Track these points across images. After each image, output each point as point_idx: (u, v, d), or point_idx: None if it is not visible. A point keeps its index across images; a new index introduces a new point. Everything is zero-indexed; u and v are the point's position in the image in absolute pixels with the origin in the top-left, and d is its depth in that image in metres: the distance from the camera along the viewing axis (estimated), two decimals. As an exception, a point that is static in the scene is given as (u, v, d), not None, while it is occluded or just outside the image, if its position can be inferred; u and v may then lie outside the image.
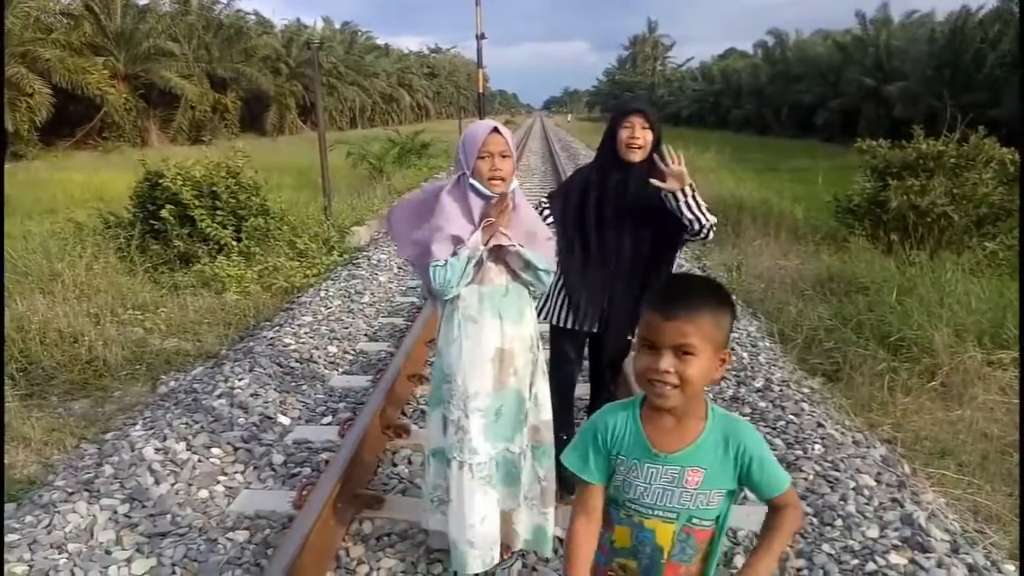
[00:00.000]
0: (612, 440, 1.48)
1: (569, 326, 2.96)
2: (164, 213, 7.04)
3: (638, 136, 2.72)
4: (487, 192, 2.34)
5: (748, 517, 3.00)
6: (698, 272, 7.27)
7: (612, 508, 1.53)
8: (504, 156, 2.33)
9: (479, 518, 2.43)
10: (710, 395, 4.29)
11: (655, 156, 2.75)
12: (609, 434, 1.49)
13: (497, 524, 2.49)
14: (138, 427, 3.86)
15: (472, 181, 2.35)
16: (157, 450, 3.51)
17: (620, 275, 2.87)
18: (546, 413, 2.57)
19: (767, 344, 5.23)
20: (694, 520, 1.47)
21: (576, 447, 1.53)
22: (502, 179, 2.34)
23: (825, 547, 2.76)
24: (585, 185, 2.89)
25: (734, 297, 6.35)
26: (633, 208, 2.80)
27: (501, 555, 2.65)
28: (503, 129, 2.36)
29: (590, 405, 3.37)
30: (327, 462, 3.38)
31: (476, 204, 2.36)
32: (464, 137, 2.40)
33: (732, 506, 1.52)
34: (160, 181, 7.23)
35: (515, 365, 2.46)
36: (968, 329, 4.86)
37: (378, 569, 2.72)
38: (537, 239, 2.46)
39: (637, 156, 2.74)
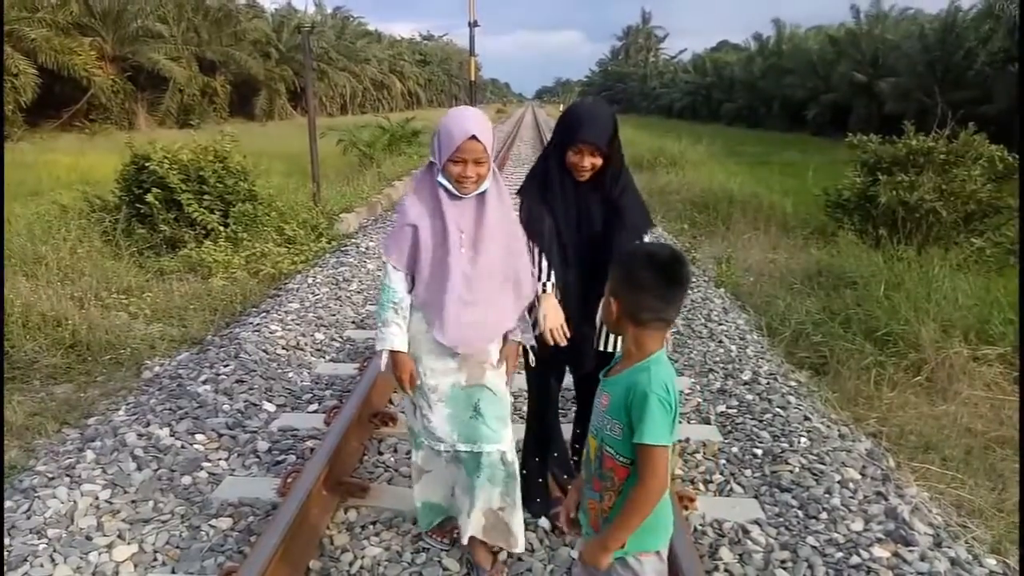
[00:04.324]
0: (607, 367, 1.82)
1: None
2: (150, 197, 6.95)
3: (586, 164, 2.49)
4: (454, 192, 2.28)
5: (733, 509, 3.02)
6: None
7: None
8: (479, 162, 2.23)
9: (458, 488, 2.53)
10: (698, 385, 4.30)
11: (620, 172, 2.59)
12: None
13: (473, 505, 2.50)
14: (121, 412, 3.82)
15: (440, 180, 2.28)
16: (140, 436, 3.47)
17: (581, 292, 2.60)
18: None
19: (755, 337, 5.24)
20: (605, 444, 1.72)
21: None
22: (472, 183, 2.26)
23: (810, 539, 2.77)
24: (541, 199, 2.61)
25: (722, 290, 6.37)
26: (587, 227, 2.59)
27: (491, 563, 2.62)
28: (482, 135, 2.19)
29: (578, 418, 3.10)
30: (312, 450, 3.36)
31: (444, 198, 2.29)
32: (441, 129, 2.24)
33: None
34: (147, 164, 7.13)
35: (492, 359, 2.42)
36: (955, 325, 4.88)
37: (362, 557, 2.71)
38: (515, 250, 2.40)
39: (584, 176, 2.54)
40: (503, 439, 2.45)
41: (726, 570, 2.64)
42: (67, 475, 3.13)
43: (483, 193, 2.32)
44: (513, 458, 2.49)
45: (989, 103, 21.63)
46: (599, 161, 2.51)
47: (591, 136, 2.46)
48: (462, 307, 2.29)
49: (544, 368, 2.71)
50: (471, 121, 2.23)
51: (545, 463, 2.97)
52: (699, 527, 2.89)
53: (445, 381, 2.39)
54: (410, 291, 2.37)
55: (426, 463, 2.55)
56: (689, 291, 6.19)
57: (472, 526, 2.51)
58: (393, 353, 2.35)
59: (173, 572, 2.60)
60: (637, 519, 1.66)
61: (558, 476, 3.02)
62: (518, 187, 2.71)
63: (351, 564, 2.68)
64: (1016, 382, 4.43)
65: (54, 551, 2.64)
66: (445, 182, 2.27)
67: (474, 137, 2.19)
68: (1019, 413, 3.85)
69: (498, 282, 2.36)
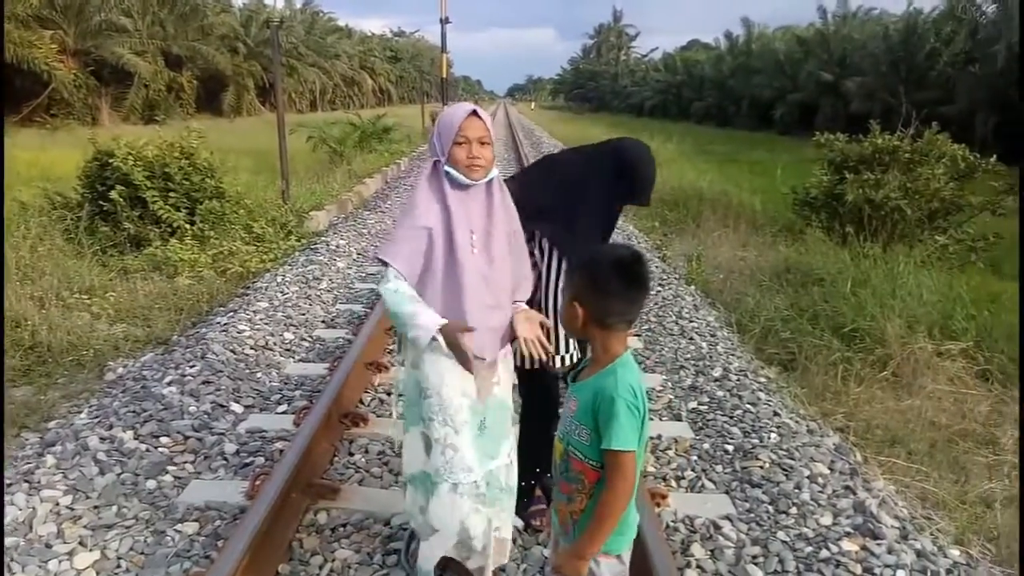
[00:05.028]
0: (575, 371, 1.85)
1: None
2: (114, 194, 6.80)
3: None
4: (464, 180, 2.15)
5: (704, 505, 3.04)
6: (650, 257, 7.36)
7: None
8: (483, 143, 2.15)
9: (473, 535, 2.22)
10: (669, 382, 4.32)
11: None
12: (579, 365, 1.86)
13: (491, 539, 2.28)
14: (83, 415, 3.72)
15: (447, 168, 2.17)
16: (103, 439, 3.38)
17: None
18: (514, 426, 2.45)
19: (725, 334, 5.28)
20: (571, 447, 1.72)
21: None
22: (481, 167, 2.16)
23: (780, 534, 2.80)
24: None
25: (693, 287, 6.42)
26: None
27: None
28: (483, 113, 2.18)
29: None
30: (281, 451, 3.30)
31: (452, 194, 2.17)
32: (440, 121, 2.21)
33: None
34: (110, 161, 6.98)
35: (498, 374, 2.32)
36: (919, 320, 4.98)
37: (332, 560, 2.67)
38: (517, 242, 2.32)
39: None
40: (501, 453, 2.32)
41: (698, 566, 2.65)
42: (26, 481, 3.03)
43: (490, 183, 2.23)
44: (509, 471, 2.37)
45: (951, 103, 22.13)
46: None
47: (650, 197, 2.64)
48: (486, 311, 2.19)
49: (542, 372, 2.70)
50: (468, 105, 2.21)
51: (534, 465, 2.92)
52: (671, 523, 2.90)
53: (466, 400, 2.22)
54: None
55: (440, 513, 2.22)
56: (660, 288, 6.27)
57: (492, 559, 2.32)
58: (442, 328, 2.11)
59: (137, 579, 2.54)
60: (609, 524, 1.66)
61: (542, 478, 2.99)
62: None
63: (321, 568, 2.64)
64: (978, 376, 4.53)
65: (11, 560, 2.55)
66: (452, 170, 2.16)
67: (475, 113, 2.15)
68: (1019, 412, 3.88)
69: (509, 282, 2.28)
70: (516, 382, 2.58)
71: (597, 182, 2.55)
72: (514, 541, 2.75)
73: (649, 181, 2.58)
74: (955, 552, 2.79)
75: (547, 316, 2.53)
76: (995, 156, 7.78)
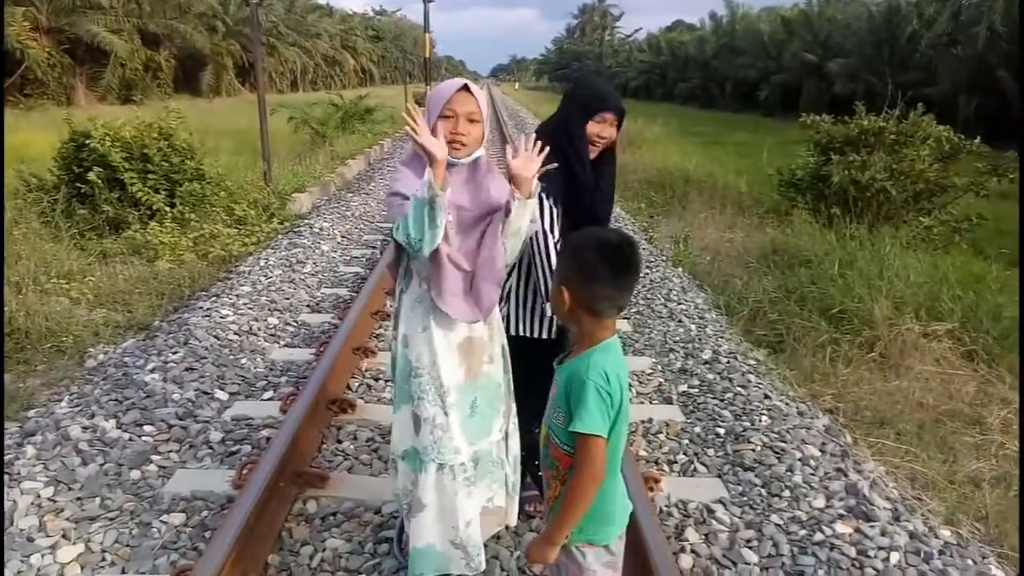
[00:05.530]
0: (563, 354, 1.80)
1: (543, 335, 2.68)
2: (91, 176, 6.66)
3: (605, 135, 2.44)
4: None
5: (697, 489, 3.03)
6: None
7: None
8: (472, 120, 2.05)
9: (464, 522, 2.19)
10: (659, 365, 4.30)
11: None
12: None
13: (478, 527, 2.25)
14: (63, 404, 3.64)
15: None
16: (84, 428, 3.31)
17: None
18: (512, 400, 2.40)
19: (713, 316, 5.27)
20: (551, 432, 1.70)
21: None
22: (463, 144, 2.05)
23: (774, 518, 2.79)
24: (567, 185, 2.45)
25: (680, 269, 6.40)
26: (589, 205, 2.51)
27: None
28: (475, 89, 2.07)
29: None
30: (268, 439, 3.24)
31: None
32: (431, 94, 2.14)
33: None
34: (87, 142, 6.82)
35: (490, 352, 2.27)
36: (906, 301, 4.99)
37: (323, 550, 2.63)
38: (494, 226, 2.20)
39: (597, 151, 2.47)
40: (492, 430, 2.28)
41: (693, 551, 2.64)
42: (5, 472, 2.96)
43: (475, 162, 2.13)
44: (501, 446, 2.33)
45: (933, 85, 22.22)
46: (614, 133, 2.48)
47: (616, 103, 2.45)
48: (465, 293, 2.14)
49: (535, 353, 2.65)
50: (461, 80, 2.12)
51: (528, 450, 2.88)
52: (664, 508, 2.88)
53: (455, 379, 2.18)
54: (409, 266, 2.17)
55: (428, 490, 2.19)
56: (648, 270, 6.24)
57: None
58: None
59: (123, 572, 2.48)
60: (577, 510, 1.62)
61: (531, 461, 2.95)
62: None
63: (311, 557, 2.60)
64: (964, 356, 4.55)
65: (-7, 553, 2.49)
66: None
67: (465, 88, 2.06)
68: (1019, 408, 3.88)
69: (497, 264, 2.17)
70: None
71: (574, 119, 2.45)
72: (507, 528, 2.71)
73: (601, 84, 2.57)
74: (946, 532, 2.80)
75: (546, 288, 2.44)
76: (978, 137, 7.81)
